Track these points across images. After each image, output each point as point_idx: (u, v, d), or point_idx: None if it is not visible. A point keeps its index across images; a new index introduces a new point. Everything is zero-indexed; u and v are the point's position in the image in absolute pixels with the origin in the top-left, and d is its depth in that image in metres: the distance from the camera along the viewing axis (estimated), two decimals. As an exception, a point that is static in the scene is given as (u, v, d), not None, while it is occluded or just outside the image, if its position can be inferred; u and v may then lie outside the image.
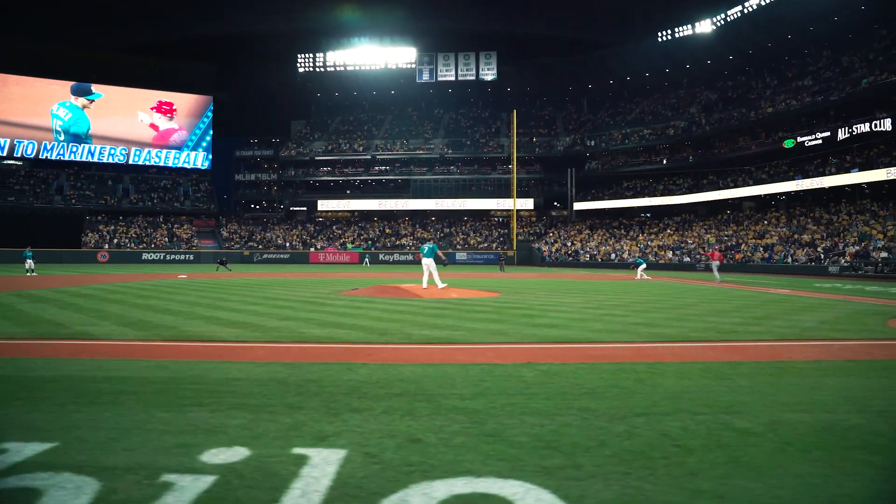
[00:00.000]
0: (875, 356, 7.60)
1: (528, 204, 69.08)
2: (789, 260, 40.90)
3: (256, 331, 9.31)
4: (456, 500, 3.02)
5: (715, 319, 11.27)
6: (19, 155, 67.12)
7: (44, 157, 68.13)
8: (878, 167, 43.06)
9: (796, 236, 44.27)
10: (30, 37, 67.34)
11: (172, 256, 61.82)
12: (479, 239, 67.58)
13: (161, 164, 73.55)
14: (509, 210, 67.01)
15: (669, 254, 51.57)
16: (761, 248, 44.98)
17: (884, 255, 35.06)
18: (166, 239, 65.32)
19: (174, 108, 73.14)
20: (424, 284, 18.40)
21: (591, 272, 42.93)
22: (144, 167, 73.25)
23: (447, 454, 3.69)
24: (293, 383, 5.65)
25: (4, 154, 66.61)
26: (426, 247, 18.69)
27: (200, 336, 8.71)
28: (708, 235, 52.18)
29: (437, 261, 18.95)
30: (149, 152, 72.59)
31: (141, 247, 62.90)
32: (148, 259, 60.47)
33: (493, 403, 4.94)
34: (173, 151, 73.75)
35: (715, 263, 28.79)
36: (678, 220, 60.14)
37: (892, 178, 42.20)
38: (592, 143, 68.72)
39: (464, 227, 70.40)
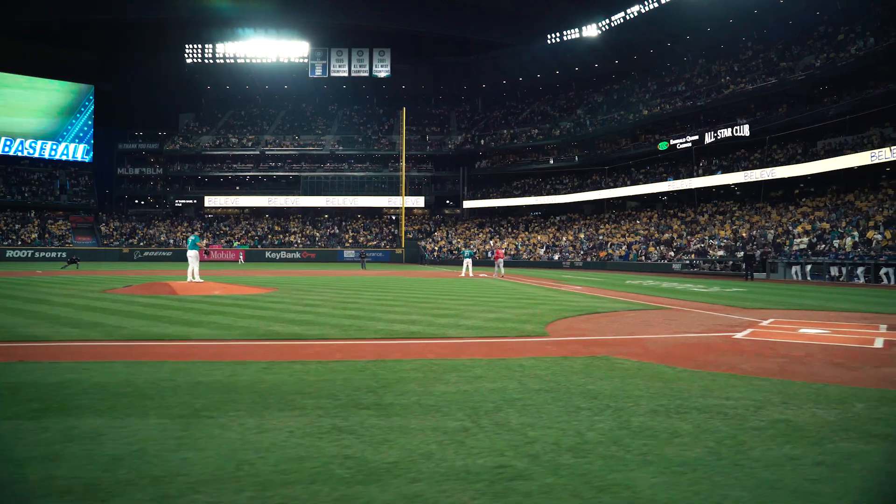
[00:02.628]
0: (425, 356, 7.51)
1: (419, 202, 69.18)
2: (643, 258, 42.48)
3: None
4: None
5: (412, 317, 11.28)
6: None
7: None
8: (737, 170, 45.51)
9: (657, 235, 46.03)
10: None
11: (42, 254, 58.57)
12: (369, 237, 67.18)
13: (36, 155, 69.55)
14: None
15: (541, 251, 52.72)
16: (625, 246, 46.56)
17: (721, 253, 36.86)
18: (35, 235, 61.73)
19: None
20: (189, 278, 18.04)
21: (451, 269, 42.81)
22: (16, 158, 68.96)
23: None
24: None
25: None
26: (190, 238, 18.48)
27: None
28: (581, 234, 53.65)
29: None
30: (20, 143, 68.49)
31: (6, 243, 59.22)
32: (13, 256, 57.12)
33: None
34: (49, 143, 69.87)
35: (500, 261, 32.66)
36: (563, 219, 61.54)
37: (749, 180, 44.61)
38: (483, 141, 69.47)
39: (355, 225, 69.81)
